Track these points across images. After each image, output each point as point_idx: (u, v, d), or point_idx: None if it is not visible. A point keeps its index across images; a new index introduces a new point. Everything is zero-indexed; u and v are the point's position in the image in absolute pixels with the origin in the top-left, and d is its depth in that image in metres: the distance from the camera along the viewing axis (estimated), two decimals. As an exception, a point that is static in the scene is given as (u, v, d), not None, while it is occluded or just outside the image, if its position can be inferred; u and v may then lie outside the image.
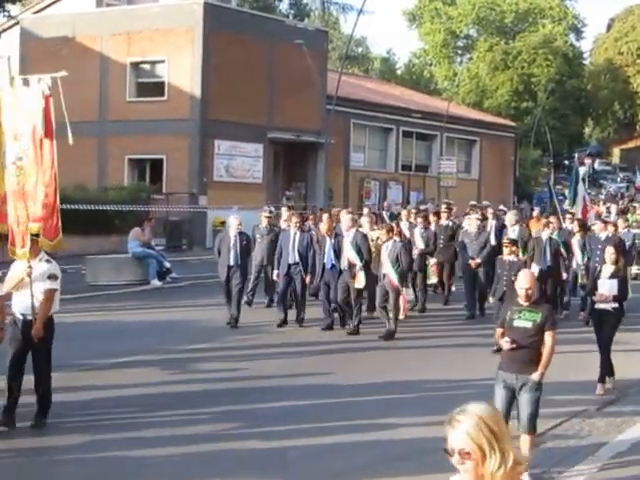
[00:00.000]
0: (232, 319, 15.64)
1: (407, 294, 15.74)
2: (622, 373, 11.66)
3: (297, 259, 15.59)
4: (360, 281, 14.88)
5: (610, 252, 11.42)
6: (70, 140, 9.24)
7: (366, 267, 14.96)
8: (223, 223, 28.73)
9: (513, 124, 56.79)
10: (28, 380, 9.44)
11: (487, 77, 70.32)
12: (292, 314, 15.94)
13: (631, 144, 79.20)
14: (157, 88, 34.74)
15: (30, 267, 9.14)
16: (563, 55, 69.97)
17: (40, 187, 9.31)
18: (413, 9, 79.28)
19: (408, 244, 16.50)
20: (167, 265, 22.36)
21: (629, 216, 25.23)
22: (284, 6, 66.11)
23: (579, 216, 21.09)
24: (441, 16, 76.73)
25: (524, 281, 8.10)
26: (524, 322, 8.00)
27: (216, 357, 13.08)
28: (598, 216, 23.55)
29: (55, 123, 9.42)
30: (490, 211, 20.55)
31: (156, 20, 34.43)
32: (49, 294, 9.25)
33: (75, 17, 36.04)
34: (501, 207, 26.95)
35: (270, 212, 18.60)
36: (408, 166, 46.36)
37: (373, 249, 15.51)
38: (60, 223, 9.53)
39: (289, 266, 15.63)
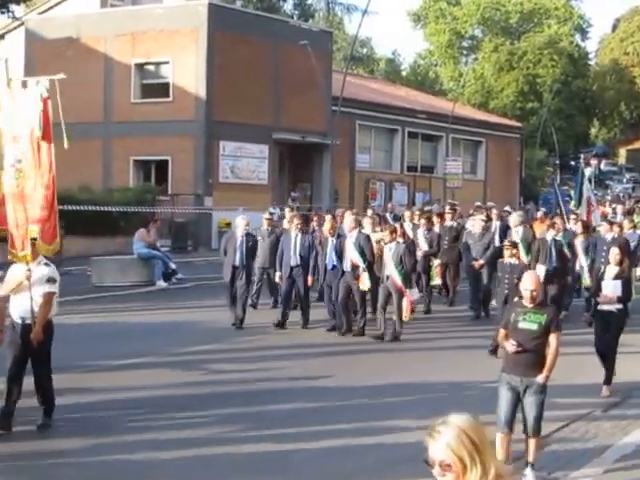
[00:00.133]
0: (237, 320, 15.62)
1: (412, 294, 15.65)
2: (627, 375, 11.62)
3: (298, 261, 15.53)
4: (365, 283, 14.81)
5: (615, 253, 11.37)
6: (65, 144, 9.18)
7: (369, 268, 14.90)
8: (228, 224, 28.75)
9: (519, 125, 56.70)
10: (28, 382, 9.41)
11: (492, 78, 70.25)
12: (294, 315, 15.90)
13: (637, 144, 79.02)
14: (162, 89, 34.72)
15: (30, 270, 9.11)
16: (568, 55, 69.87)
17: (39, 190, 9.26)
18: (418, 10, 79.25)
19: (412, 245, 16.40)
20: (172, 266, 22.36)
21: (635, 217, 25.12)
22: (288, 6, 66.12)
23: (584, 217, 21.02)
24: (446, 16, 76.64)
25: (529, 282, 8.03)
26: (529, 324, 7.94)
27: (221, 359, 13.05)
28: (604, 217, 23.45)
29: (53, 125, 9.33)
30: (494, 212, 20.48)
31: (160, 21, 34.43)
32: (48, 297, 9.22)
33: (79, 18, 36.05)
34: (507, 208, 26.88)
35: (271, 214, 18.55)
36: (414, 167, 46.30)
37: (376, 250, 15.44)
38: (58, 227, 9.46)
39: (291, 268, 15.58)
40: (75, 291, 19.90)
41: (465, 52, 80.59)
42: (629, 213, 27.03)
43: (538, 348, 7.94)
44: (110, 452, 8.58)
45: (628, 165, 77.02)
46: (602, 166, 71.20)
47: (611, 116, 79.06)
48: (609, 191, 61.73)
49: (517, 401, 7.95)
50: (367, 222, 16.92)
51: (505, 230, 18.57)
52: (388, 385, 11.38)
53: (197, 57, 33.99)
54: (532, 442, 8.00)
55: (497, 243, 17.41)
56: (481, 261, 16.75)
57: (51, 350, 9.39)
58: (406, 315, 14.82)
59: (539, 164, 61.91)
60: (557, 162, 61.75)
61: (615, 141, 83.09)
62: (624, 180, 70.81)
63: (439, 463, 3.26)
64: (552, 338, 7.96)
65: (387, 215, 23.00)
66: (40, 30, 36.68)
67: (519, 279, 8.61)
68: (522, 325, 7.96)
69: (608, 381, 11.23)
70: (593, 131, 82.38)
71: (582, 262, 17.09)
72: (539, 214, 22.45)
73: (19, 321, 9.28)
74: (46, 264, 9.37)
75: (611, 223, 18.44)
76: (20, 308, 9.25)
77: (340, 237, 15.36)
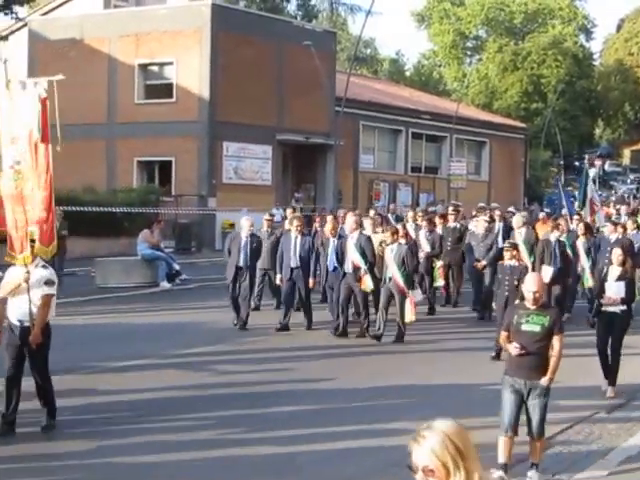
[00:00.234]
0: (241, 321, 15.60)
1: (415, 295, 15.63)
2: (631, 377, 11.61)
3: (298, 263, 15.46)
4: (367, 284, 14.76)
5: (617, 254, 11.31)
6: (58, 147, 9.13)
7: (370, 270, 14.83)
8: (232, 225, 28.76)
9: (523, 125, 56.64)
10: (30, 384, 9.40)
11: (496, 78, 70.17)
12: (297, 317, 15.86)
13: (642, 145, 78.97)
14: (165, 90, 34.73)
15: (28, 272, 9.06)
16: (573, 56, 69.77)
17: (37, 191, 9.23)
18: (422, 10, 79.18)
19: (414, 246, 16.38)
20: (176, 267, 22.35)
21: (639, 218, 25.04)
22: (292, 7, 66.01)
23: (588, 218, 20.97)
24: (450, 17, 76.57)
25: (532, 284, 7.97)
26: (532, 326, 7.90)
27: (225, 360, 13.01)
28: (608, 218, 23.38)
29: (51, 127, 9.29)
30: (497, 213, 20.44)
31: (164, 22, 34.42)
32: (46, 300, 9.19)
33: (83, 19, 36.07)
34: (511, 209, 26.83)
35: (271, 215, 18.50)
36: (418, 168, 46.27)
37: (377, 251, 15.38)
38: (55, 229, 9.43)
39: (291, 270, 15.52)
40: (79, 292, 19.92)
41: (469, 52, 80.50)
42: (633, 214, 26.94)
43: (541, 350, 7.90)
44: (114, 454, 8.56)
45: (632, 166, 76.94)
46: (606, 167, 71.11)
47: (615, 117, 78.94)
48: (613, 192, 61.61)
49: (521, 404, 7.91)
50: (368, 223, 16.88)
51: (508, 231, 18.52)
52: (390, 387, 11.35)
53: (200, 58, 33.98)
54: (536, 444, 7.98)
55: (500, 244, 17.37)
56: (483, 262, 16.71)
57: (49, 352, 9.37)
58: (412, 316, 14.78)
59: (543, 165, 61.82)
60: (561, 163, 61.66)
61: (619, 142, 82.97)
62: (628, 181, 70.72)
63: (422, 468, 3.24)
64: (555, 340, 7.92)
65: (389, 216, 22.93)
66: (43, 31, 36.70)
67: (519, 281, 8.57)
68: (525, 327, 7.91)
69: (613, 382, 11.21)
70: (597, 132, 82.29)
71: (584, 263, 17.03)
72: (541, 215, 22.38)
73: (17, 323, 9.24)
74: (44, 266, 9.34)
75: (615, 224, 18.37)
76: (18, 310, 9.21)
77: (341, 238, 15.31)
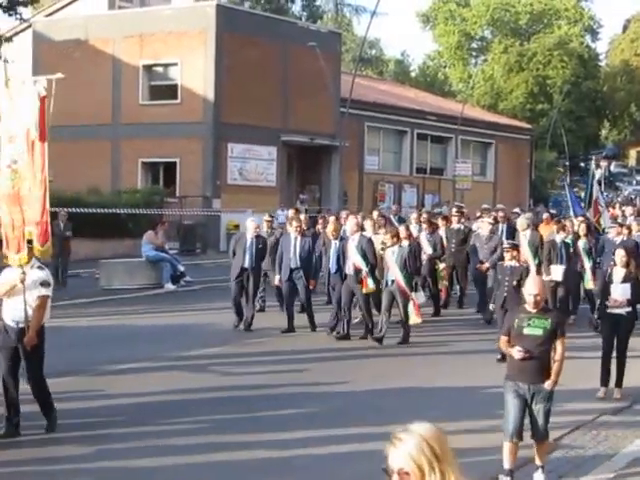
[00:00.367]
0: (246, 322, 15.58)
1: (418, 298, 15.56)
2: (636, 380, 11.56)
3: (298, 264, 15.39)
4: (369, 286, 14.65)
5: (621, 255, 11.26)
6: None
7: (372, 271, 14.72)
8: (237, 226, 28.69)
9: (528, 126, 56.51)
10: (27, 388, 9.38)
11: (502, 79, 70.03)
12: (301, 319, 15.79)
13: (648, 146, 78.81)
14: (170, 91, 34.67)
15: (24, 273, 8.99)
16: (579, 56, 69.59)
17: (34, 190, 9.13)
18: (427, 11, 79.05)
19: (417, 247, 16.29)
20: (181, 269, 22.33)
21: (644, 219, 24.89)
22: (297, 8, 65.93)
23: (592, 218, 20.89)
24: (455, 18, 76.44)
25: (533, 287, 7.89)
26: (534, 330, 7.82)
27: (228, 363, 12.96)
28: (614, 219, 23.26)
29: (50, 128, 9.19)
30: (500, 214, 20.38)
31: (168, 22, 34.37)
32: (42, 301, 9.13)
33: (87, 20, 36.03)
34: (516, 210, 26.74)
35: (270, 216, 18.44)
36: (423, 169, 46.18)
37: (379, 253, 15.27)
38: (49, 229, 9.31)
39: (290, 270, 15.44)
40: (83, 294, 19.97)
41: (474, 53, 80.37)
42: (639, 215, 26.78)
43: (544, 354, 7.85)
44: (113, 458, 8.50)
45: (638, 167, 76.76)
46: (612, 168, 70.94)
47: (621, 117, 78.76)
48: (619, 193, 61.44)
49: (525, 408, 7.84)
50: (368, 225, 16.80)
51: (512, 232, 18.44)
52: (393, 389, 11.32)
53: (205, 59, 33.91)
54: (540, 446, 7.94)
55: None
56: (487, 264, 16.58)
57: (44, 354, 9.30)
58: (417, 319, 14.68)
59: (549, 166, 61.68)
60: (567, 164, 61.49)
61: (625, 142, 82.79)
62: (634, 182, 70.56)
63: (398, 471, 3.21)
64: (558, 343, 7.87)
65: (392, 217, 22.82)
66: (47, 32, 36.67)
67: (519, 282, 8.48)
68: (527, 331, 7.83)
69: (619, 384, 11.22)
70: (603, 132, 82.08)
71: (585, 264, 16.92)
72: (545, 216, 22.32)
73: (12, 325, 9.17)
74: (40, 267, 9.27)
75: (620, 225, 18.28)
76: (14, 312, 9.14)
77: (343, 240, 15.22)
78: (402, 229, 16.07)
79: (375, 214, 20.91)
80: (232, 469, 8.35)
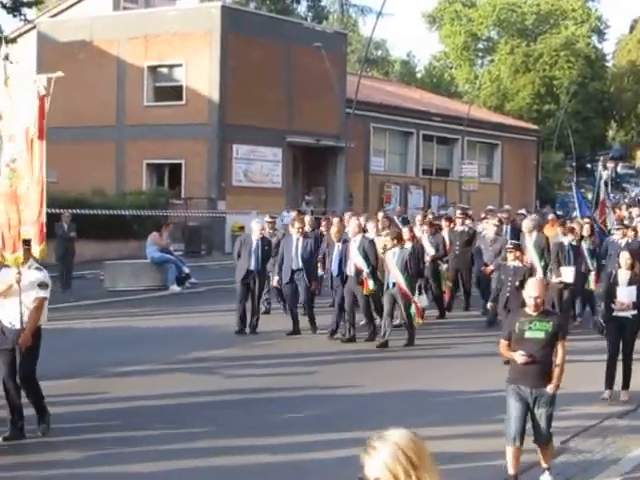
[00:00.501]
0: (251, 325, 15.56)
1: (421, 301, 15.47)
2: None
3: (300, 265, 15.31)
4: (369, 287, 14.53)
5: (625, 257, 11.17)
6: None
7: (373, 273, 14.60)
8: (242, 228, 28.56)
9: (535, 127, 56.35)
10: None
11: (508, 80, 69.84)
12: (305, 321, 15.75)
13: (655, 147, 78.51)
14: (175, 92, 34.60)
15: (19, 273, 8.89)
16: (585, 57, 69.34)
17: (32, 190, 9.01)
18: (433, 11, 78.84)
19: (421, 249, 16.27)
20: (186, 270, 22.33)
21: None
22: (302, 8, 65.75)
23: (598, 219, 20.81)
24: (461, 18, 76.23)
25: (533, 290, 7.81)
26: (536, 333, 7.76)
27: (233, 366, 12.94)
28: (620, 221, 23.11)
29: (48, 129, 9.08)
30: (504, 216, 20.28)
31: (173, 23, 34.29)
32: (39, 303, 9.04)
33: (92, 21, 35.98)
34: (522, 211, 26.61)
35: (272, 217, 18.38)
36: (429, 170, 46.04)
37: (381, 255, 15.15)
38: (45, 229, 9.16)
39: (292, 272, 15.35)
40: (88, 295, 20.04)
41: (480, 54, 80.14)
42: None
43: (546, 357, 7.80)
44: (117, 462, 8.44)
45: (645, 168, 76.44)
46: (619, 169, 70.65)
47: (628, 118, 78.40)
48: (626, 194, 61.23)
49: (527, 412, 7.79)
50: (371, 226, 16.71)
51: (517, 234, 18.36)
52: (398, 392, 11.27)
53: (210, 60, 33.82)
54: (544, 450, 7.91)
55: (509, 248, 17.14)
56: (491, 267, 16.44)
57: (38, 357, 9.21)
58: (418, 320, 14.58)
59: (556, 167, 61.47)
60: (573, 165, 61.29)
61: (632, 143, 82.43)
62: (641, 183, 70.30)
63: None
64: (559, 346, 7.83)
65: (395, 218, 22.72)
66: (52, 33, 36.62)
67: (522, 282, 8.39)
68: (528, 335, 7.77)
69: (626, 386, 11.19)
70: (610, 133, 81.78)
71: (589, 266, 16.77)
72: (550, 217, 22.21)
73: (9, 326, 9.08)
74: (38, 268, 9.20)
75: (626, 227, 18.15)
76: (10, 313, 9.05)
77: (346, 242, 15.12)
78: (405, 231, 16.03)
79: (380, 215, 20.84)
80: (235, 473, 8.29)
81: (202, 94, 33.96)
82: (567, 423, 9.49)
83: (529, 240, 16.57)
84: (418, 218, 19.88)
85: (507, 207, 27.81)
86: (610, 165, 60.75)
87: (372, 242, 14.99)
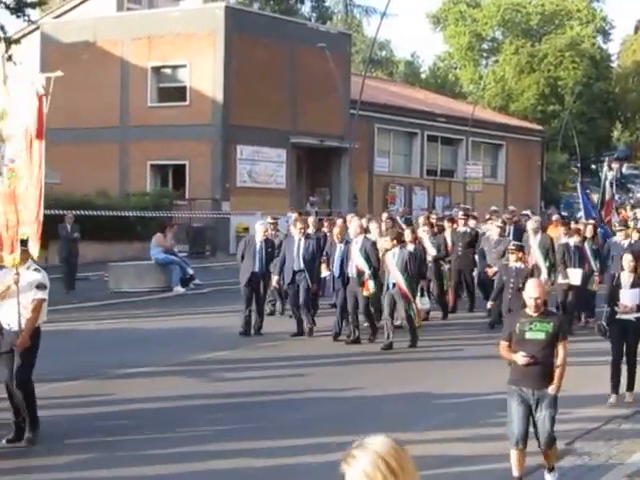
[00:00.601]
0: (256, 326, 15.49)
1: (422, 303, 15.40)
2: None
3: (302, 266, 15.24)
4: (370, 289, 14.44)
5: (628, 259, 11.07)
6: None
7: (374, 275, 14.51)
8: (246, 229, 28.50)
9: (540, 128, 56.23)
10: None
11: (513, 80, 69.73)
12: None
13: (660, 148, 78.27)
14: (179, 93, 34.53)
15: (18, 274, 8.82)
16: (590, 58, 69.21)
17: (31, 190, 8.91)
18: (437, 12, 78.73)
19: (423, 251, 16.25)
20: (190, 272, 22.29)
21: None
22: (306, 9, 65.65)
23: (605, 220, 20.72)
24: (466, 19, 76.11)
25: (533, 290, 7.75)
26: (537, 334, 7.72)
27: (236, 368, 12.89)
28: (624, 222, 23.05)
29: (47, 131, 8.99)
30: (507, 216, 20.15)
31: (177, 24, 34.23)
32: (37, 304, 8.98)
33: (95, 21, 35.95)
34: (526, 212, 26.50)
35: (274, 218, 18.34)
36: (433, 171, 45.93)
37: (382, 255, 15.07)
38: (40, 231, 9.07)
39: (294, 273, 15.27)
40: (92, 297, 20.05)
41: (485, 54, 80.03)
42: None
43: (547, 358, 7.76)
44: (118, 465, 8.38)
45: (651, 168, 76.18)
46: (624, 169, 70.46)
47: (633, 119, 78.20)
48: (631, 195, 61.06)
49: (529, 414, 7.75)
50: (374, 227, 16.60)
51: (520, 234, 18.27)
52: (402, 395, 11.23)
53: (214, 60, 33.75)
54: (548, 453, 7.87)
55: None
56: (495, 269, 16.29)
57: (36, 359, 9.12)
58: (417, 321, 14.50)
59: (560, 168, 61.33)
60: (578, 165, 61.16)
61: (637, 144, 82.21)
62: (646, 183, 70.07)
63: None
64: (560, 347, 7.79)
65: (398, 219, 22.64)
66: (56, 34, 36.58)
67: (524, 284, 8.31)
68: (529, 335, 7.73)
69: (630, 387, 11.16)
70: (615, 134, 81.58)
71: (593, 267, 16.70)
72: (554, 218, 22.11)
73: (7, 328, 9.03)
74: (36, 269, 9.13)
75: (628, 228, 18.06)
76: (8, 314, 8.99)
77: (348, 243, 15.05)
78: (407, 232, 15.95)
79: (384, 216, 20.81)
80: (237, 477, 8.24)
81: (206, 95, 33.89)
82: (571, 425, 9.45)
83: (534, 241, 16.52)
84: (421, 220, 19.83)
85: (512, 208, 27.71)
86: (615, 166, 60.59)
87: (374, 243, 14.92)
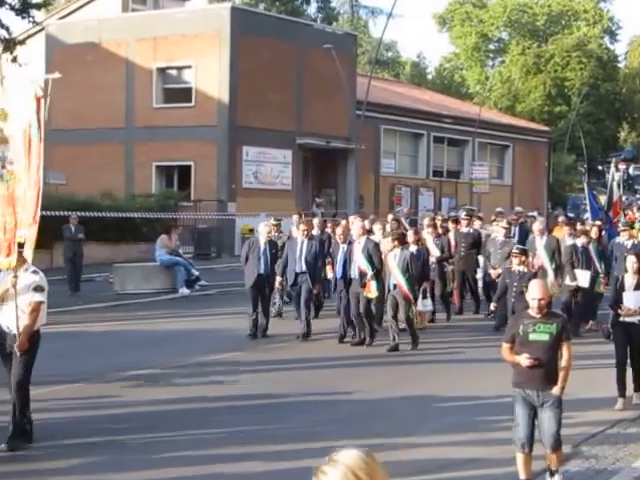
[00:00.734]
0: (261, 329, 15.41)
1: (424, 305, 15.30)
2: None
3: (304, 268, 15.18)
4: (372, 290, 14.33)
5: (632, 261, 10.96)
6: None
7: (377, 276, 14.42)
8: (252, 230, 28.40)
9: (546, 129, 56.12)
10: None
11: (519, 81, 69.62)
12: (316, 324, 15.68)
13: (667, 148, 78.01)
14: (184, 94, 34.46)
15: (15, 277, 8.76)
16: (597, 58, 69.06)
17: (29, 192, 8.84)
18: (443, 12, 78.60)
19: (426, 252, 16.21)
20: (195, 273, 22.27)
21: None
22: (312, 10, 65.70)
23: (614, 221, 20.65)
24: (472, 19, 76.00)
25: (536, 292, 7.70)
26: (540, 335, 7.66)
27: (243, 370, 12.83)
28: (630, 223, 22.93)
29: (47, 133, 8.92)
30: (513, 217, 20.05)
31: (182, 25, 34.18)
32: (35, 306, 8.88)
33: (100, 22, 35.92)
34: (533, 213, 26.40)
35: (277, 220, 18.27)
36: (440, 172, 45.84)
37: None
38: (36, 234, 8.98)
39: (296, 275, 15.25)
40: (97, 298, 20.07)
41: (491, 55, 79.90)
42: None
43: (551, 360, 7.70)
44: (120, 469, 8.32)
45: (658, 170, 75.95)
46: (631, 170, 70.26)
47: (640, 120, 78.06)
48: (638, 196, 60.87)
49: (534, 417, 7.71)
50: (377, 228, 16.54)
51: (526, 235, 18.17)
52: (407, 397, 11.19)
53: (220, 61, 33.69)
54: (553, 456, 7.79)
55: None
56: (499, 270, 16.19)
57: (34, 363, 9.05)
58: (418, 322, 14.40)
59: (567, 169, 61.17)
60: (585, 166, 60.99)
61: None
62: (653, 185, 69.87)
63: None
64: (564, 348, 7.73)
65: (402, 219, 22.59)
66: (61, 35, 36.56)
67: (527, 287, 8.23)
68: (533, 337, 7.67)
69: (638, 388, 11.11)
70: (622, 135, 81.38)
71: (597, 268, 16.59)
72: (560, 219, 22.02)
73: (7, 331, 8.97)
74: (34, 272, 9.04)
75: (631, 228, 17.96)
76: (7, 317, 8.92)
77: (351, 244, 14.96)
78: (410, 233, 15.87)
79: (390, 217, 20.76)
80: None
81: (211, 96, 33.83)
82: (577, 428, 9.42)
83: (539, 243, 16.44)
84: (426, 221, 19.76)
85: (518, 209, 27.63)
86: (622, 167, 60.36)
87: (376, 245, 14.84)
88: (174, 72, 35.48)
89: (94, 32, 35.55)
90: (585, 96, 63.94)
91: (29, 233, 8.83)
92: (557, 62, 68.08)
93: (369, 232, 15.63)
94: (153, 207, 29.45)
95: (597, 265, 16.63)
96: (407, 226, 20.48)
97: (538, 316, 7.66)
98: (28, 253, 8.86)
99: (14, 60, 25.92)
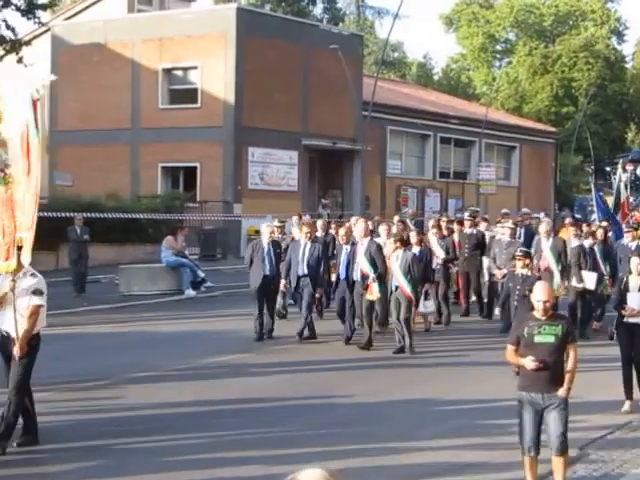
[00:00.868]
0: (266, 330, 15.36)
1: (426, 307, 15.20)
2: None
3: (306, 271, 15.14)
4: (374, 293, 14.25)
5: (636, 262, 10.90)
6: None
7: (380, 278, 14.33)
8: (258, 232, 28.34)
9: (553, 129, 56.02)
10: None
11: (526, 82, 69.50)
12: (323, 326, 15.70)
13: (674, 149, 77.79)
14: (190, 95, 34.45)
15: (14, 280, 8.71)
16: (605, 59, 68.90)
17: (28, 196, 8.79)
18: (450, 13, 78.46)
19: (429, 253, 16.19)
20: (201, 274, 22.25)
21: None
22: (318, 10, 65.71)
23: (622, 222, 20.60)
24: (479, 20, 75.85)
25: (541, 293, 7.62)
26: (546, 337, 7.60)
27: (248, 372, 12.82)
28: (637, 224, 22.88)
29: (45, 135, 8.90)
30: (518, 218, 20.00)
31: (188, 26, 34.17)
32: (33, 310, 8.83)
33: (106, 23, 35.91)
34: (540, 215, 26.29)
35: (281, 221, 18.24)
36: (446, 173, 45.74)
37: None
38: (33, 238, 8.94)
39: (298, 278, 15.21)
40: (103, 300, 20.11)
41: (498, 56, 79.75)
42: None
43: (557, 362, 7.64)
44: (122, 473, 8.28)
45: (665, 170, 75.74)
46: (638, 171, 70.07)
47: (648, 120, 77.85)
48: (644, 197, 60.69)
49: (541, 420, 7.63)
50: (382, 229, 16.46)
51: (531, 236, 18.11)
52: (410, 400, 11.15)
53: (225, 62, 33.67)
54: (560, 461, 7.65)
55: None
56: (504, 270, 16.10)
57: (33, 366, 8.99)
58: (413, 323, 14.35)
59: (574, 170, 61.01)
60: (592, 167, 60.82)
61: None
62: (661, 185, 69.71)
63: None
64: (570, 350, 7.68)
65: (408, 221, 22.55)
66: (66, 35, 36.57)
67: (530, 291, 8.15)
68: (539, 339, 7.61)
69: None
70: (630, 136, 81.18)
71: (602, 270, 16.53)
72: (566, 221, 21.95)
73: (6, 334, 8.92)
74: (33, 275, 9.00)
75: (635, 229, 17.89)
76: (6, 321, 8.87)
77: (354, 245, 14.90)
78: (413, 234, 15.80)
79: (396, 219, 20.71)
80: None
81: (217, 96, 33.81)
82: (584, 432, 9.39)
83: (546, 244, 16.36)
84: (431, 222, 19.71)
85: (525, 210, 27.56)
86: (629, 168, 60.17)
87: (379, 247, 14.74)
88: (180, 73, 35.46)
89: (100, 33, 35.55)
90: (592, 97, 63.77)
91: (27, 236, 8.79)
92: (564, 63, 67.94)
93: (372, 233, 15.55)
94: (159, 208, 29.47)
95: (602, 266, 16.58)
96: (412, 227, 20.41)
97: (543, 318, 7.60)
98: (26, 256, 8.81)
99: (20, 61, 25.88)
